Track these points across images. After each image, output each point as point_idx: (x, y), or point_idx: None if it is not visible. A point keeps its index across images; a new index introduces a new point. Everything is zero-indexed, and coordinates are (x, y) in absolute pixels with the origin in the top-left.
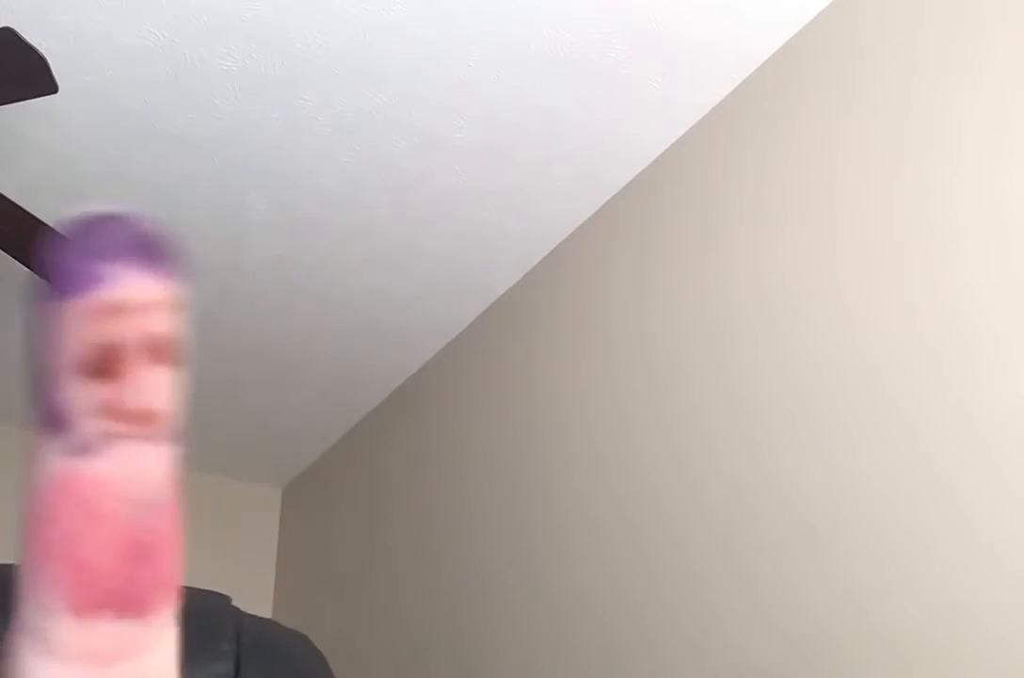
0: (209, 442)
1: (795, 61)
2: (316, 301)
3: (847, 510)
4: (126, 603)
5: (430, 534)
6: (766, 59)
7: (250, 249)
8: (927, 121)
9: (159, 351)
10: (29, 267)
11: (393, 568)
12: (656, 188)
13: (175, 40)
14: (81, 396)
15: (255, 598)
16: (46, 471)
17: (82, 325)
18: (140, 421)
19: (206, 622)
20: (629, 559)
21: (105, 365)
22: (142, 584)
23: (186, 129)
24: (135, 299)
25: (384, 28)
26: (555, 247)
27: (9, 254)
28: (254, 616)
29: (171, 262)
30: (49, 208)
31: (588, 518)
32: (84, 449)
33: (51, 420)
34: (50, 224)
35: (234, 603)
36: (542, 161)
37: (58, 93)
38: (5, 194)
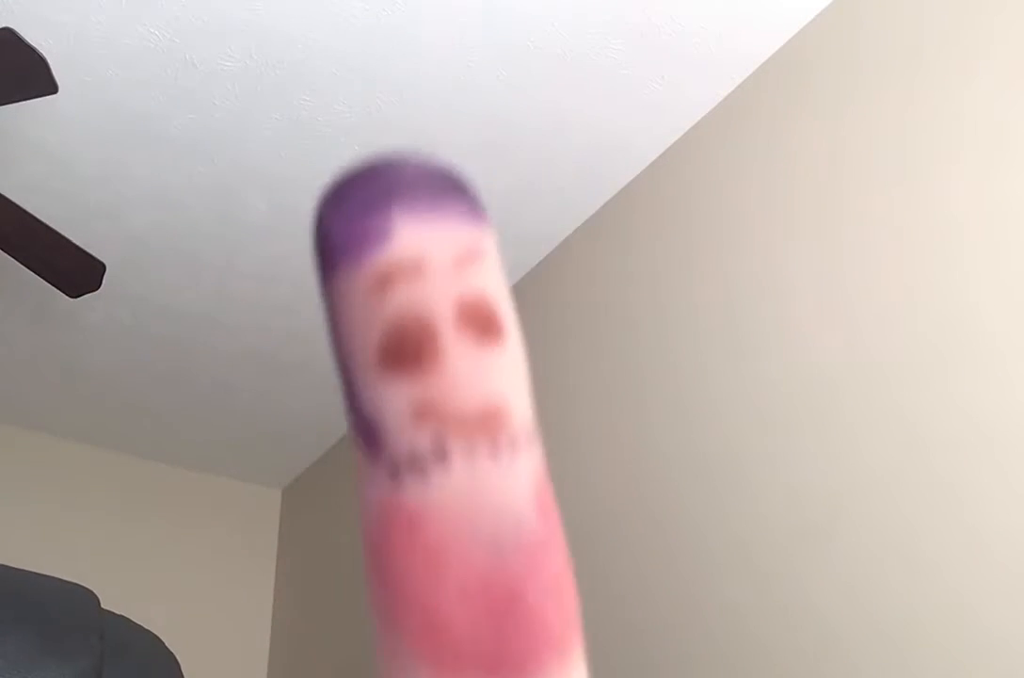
0: (209, 442)
1: (795, 61)
2: (316, 301)
3: (849, 508)
4: (498, 664)
5: None
6: (766, 59)
7: (250, 249)
8: (928, 121)
9: (484, 321)
10: (29, 267)
11: None
12: (656, 188)
13: (175, 40)
14: (390, 396)
15: (255, 598)
16: (369, 500)
17: (370, 297)
18: (476, 425)
19: (73, 618)
20: (627, 550)
21: (410, 349)
22: (517, 641)
23: (186, 129)
24: (434, 253)
25: (384, 28)
26: (555, 247)
27: (9, 254)
28: (115, 614)
29: (471, 203)
30: (49, 208)
31: (607, 510)
32: (408, 469)
33: (363, 430)
34: (50, 224)
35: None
36: (542, 161)
37: (58, 93)
38: (5, 194)
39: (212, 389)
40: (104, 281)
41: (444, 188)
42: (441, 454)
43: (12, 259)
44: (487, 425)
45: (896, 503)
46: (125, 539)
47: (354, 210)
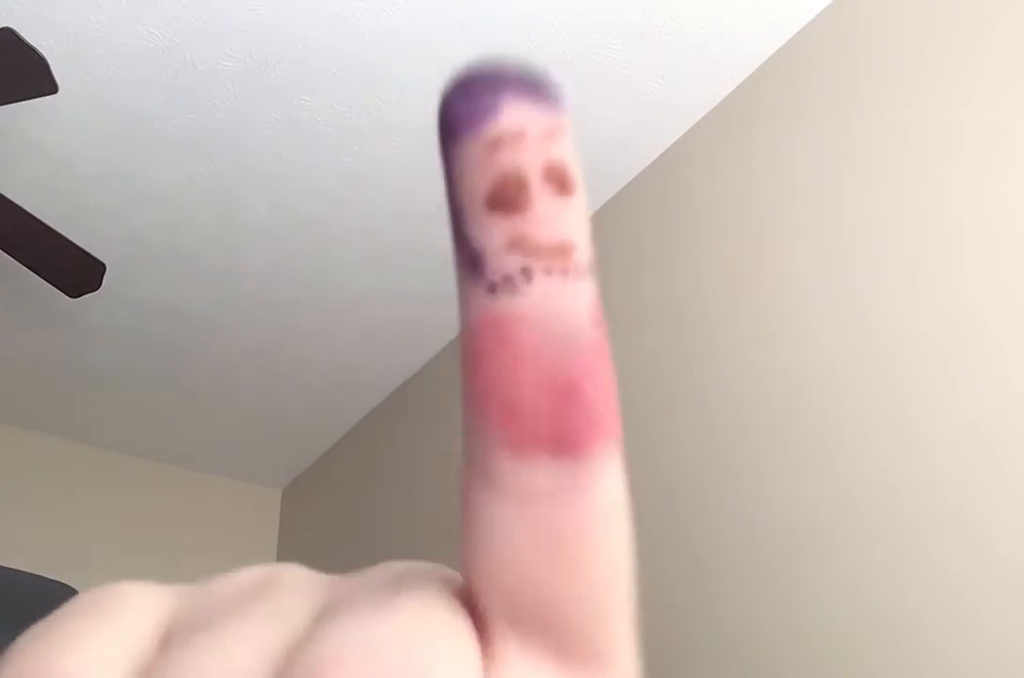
0: (209, 442)
1: (795, 61)
2: (316, 301)
3: (851, 503)
4: (558, 443)
5: (430, 534)
6: (766, 59)
7: (250, 249)
8: (928, 120)
9: (562, 180)
10: (29, 267)
11: None
12: (656, 188)
13: (175, 40)
14: (492, 232)
15: None
16: (470, 312)
17: (483, 157)
18: (553, 254)
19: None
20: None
21: (509, 196)
22: (573, 423)
23: (186, 129)
24: (530, 127)
25: (384, 28)
26: None
27: (9, 254)
28: None
29: (558, 92)
30: (49, 208)
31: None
32: (502, 287)
33: (468, 260)
34: (50, 224)
35: None
36: None
37: (58, 93)
38: (5, 194)
39: (212, 389)
40: (104, 281)
41: (540, 82)
42: (528, 274)
43: (12, 259)
44: (561, 255)
45: (898, 501)
46: (125, 539)
47: (473, 92)
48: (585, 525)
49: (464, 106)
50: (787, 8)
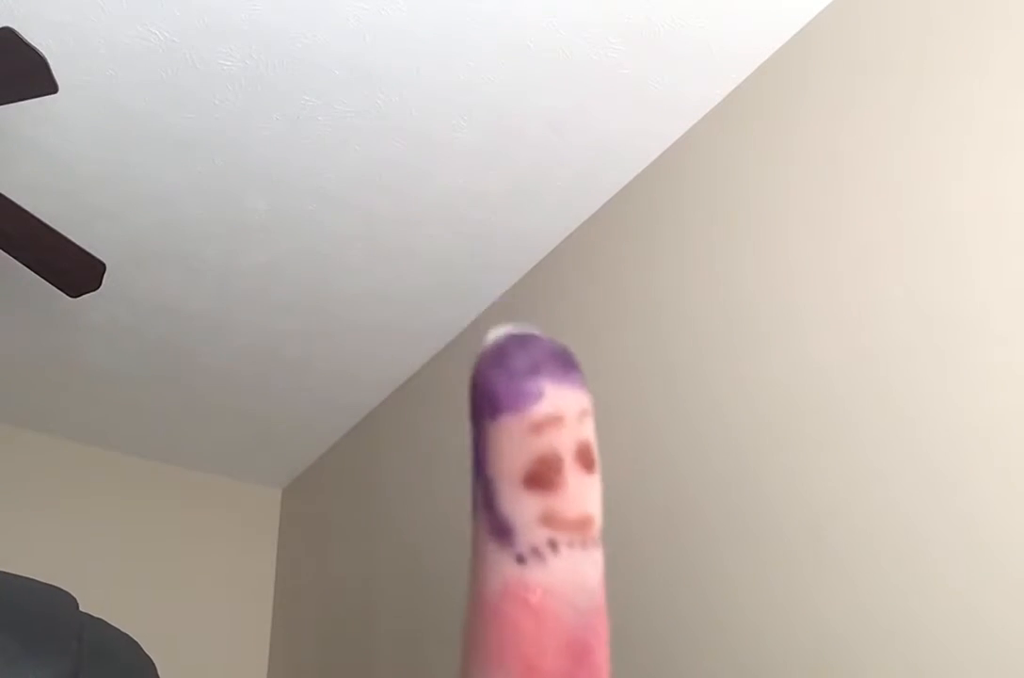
0: (209, 442)
1: (795, 61)
2: (316, 301)
3: (849, 507)
4: None
5: (429, 534)
6: (766, 59)
7: (250, 249)
8: (928, 120)
9: (589, 458)
10: (29, 267)
11: (392, 568)
12: (656, 188)
13: (175, 40)
14: (526, 506)
15: (255, 598)
16: (495, 579)
17: (523, 439)
18: (579, 528)
19: (52, 620)
20: (628, 553)
21: (546, 476)
22: None
23: (186, 129)
24: (568, 412)
25: (384, 28)
26: (555, 248)
27: (9, 254)
28: (93, 617)
29: (582, 375)
30: (49, 208)
31: (607, 513)
32: (531, 558)
33: (497, 530)
34: (50, 224)
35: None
36: (542, 161)
37: (58, 93)
38: (5, 194)
39: (212, 389)
40: (104, 281)
41: (570, 363)
42: (555, 547)
43: (12, 259)
44: (584, 528)
45: (895, 501)
46: (125, 539)
47: (514, 373)
48: None
49: (505, 387)
50: (787, 8)
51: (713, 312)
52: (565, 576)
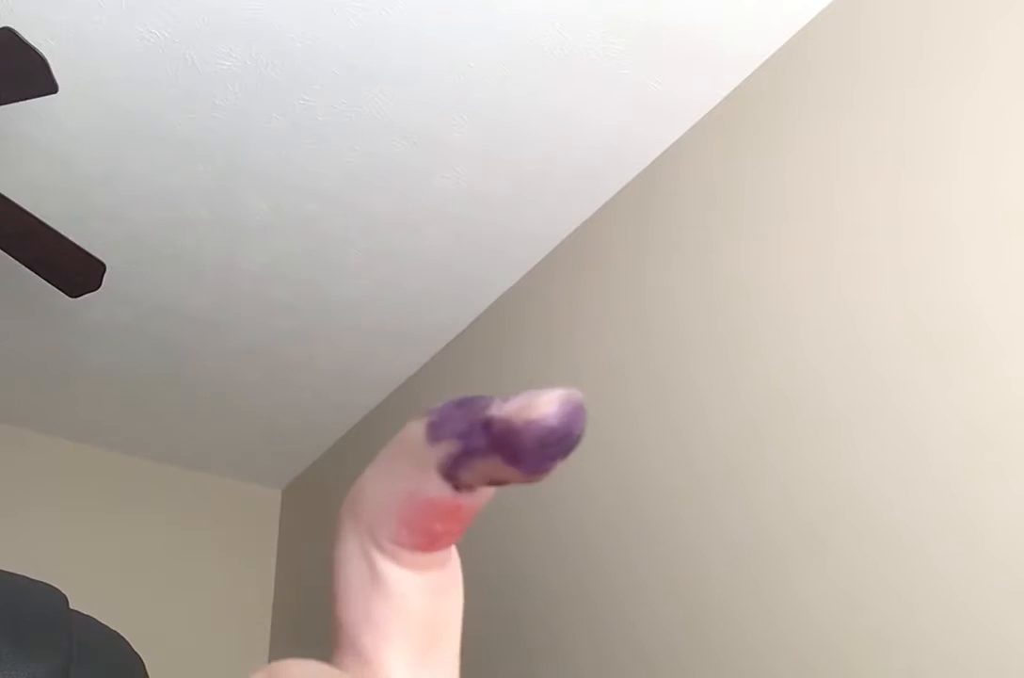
0: (209, 442)
1: (795, 61)
2: (316, 301)
3: (845, 509)
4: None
5: None
6: (766, 59)
7: (250, 249)
8: (927, 120)
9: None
10: (29, 267)
11: None
12: (656, 188)
13: (175, 40)
14: (479, 480)
15: (255, 598)
16: (430, 487)
17: (516, 480)
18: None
19: (42, 617)
20: (625, 557)
21: (504, 481)
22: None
23: (186, 129)
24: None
25: (384, 28)
26: (554, 248)
27: (9, 254)
28: (82, 614)
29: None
30: (49, 208)
31: (595, 529)
32: (464, 489)
33: (448, 475)
34: (50, 224)
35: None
36: (542, 161)
37: (58, 93)
38: (5, 194)
39: (212, 389)
40: (104, 281)
41: (577, 444)
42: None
43: (12, 259)
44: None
45: (892, 503)
46: (125, 539)
47: (550, 455)
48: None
49: (536, 459)
50: (787, 8)
51: (714, 311)
52: (481, 501)
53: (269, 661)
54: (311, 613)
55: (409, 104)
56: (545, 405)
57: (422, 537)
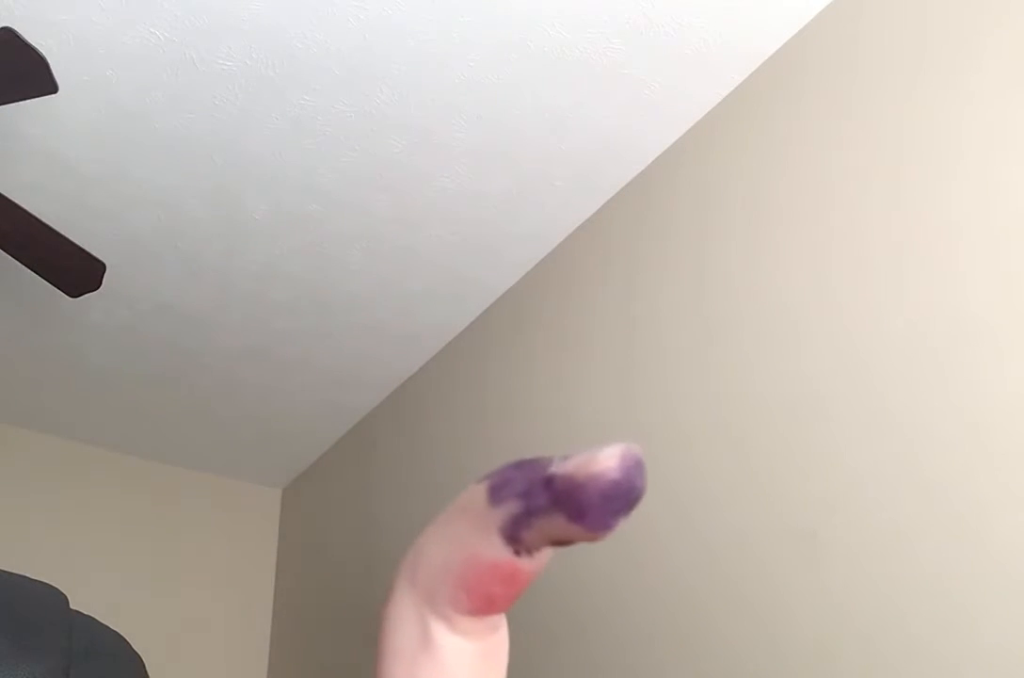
0: (209, 442)
1: (795, 61)
2: (316, 301)
3: (841, 512)
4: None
5: None
6: (766, 59)
7: (250, 249)
8: (927, 121)
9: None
10: (29, 267)
11: (392, 569)
12: (655, 188)
13: (175, 40)
14: (541, 542)
15: (255, 598)
16: (491, 551)
17: (576, 537)
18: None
19: (42, 617)
20: (615, 561)
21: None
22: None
23: (186, 129)
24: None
25: (384, 28)
26: (554, 248)
27: (9, 254)
28: (82, 614)
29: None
30: (49, 208)
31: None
32: (524, 554)
33: (510, 539)
34: (50, 224)
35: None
36: (542, 161)
37: (58, 93)
38: (5, 194)
39: (212, 389)
40: (104, 281)
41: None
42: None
43: (12, 259)
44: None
45: (888, 506)
46: (125, 539)
47: (615, 510)
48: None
49: (600, 514)
50: (787, 8)
51: (712, 312)
52: (540, 564)
53: (269, 661)
54: (311, 613)
55: (409, 104)
56: (606, 459)
57: (480, 601)
